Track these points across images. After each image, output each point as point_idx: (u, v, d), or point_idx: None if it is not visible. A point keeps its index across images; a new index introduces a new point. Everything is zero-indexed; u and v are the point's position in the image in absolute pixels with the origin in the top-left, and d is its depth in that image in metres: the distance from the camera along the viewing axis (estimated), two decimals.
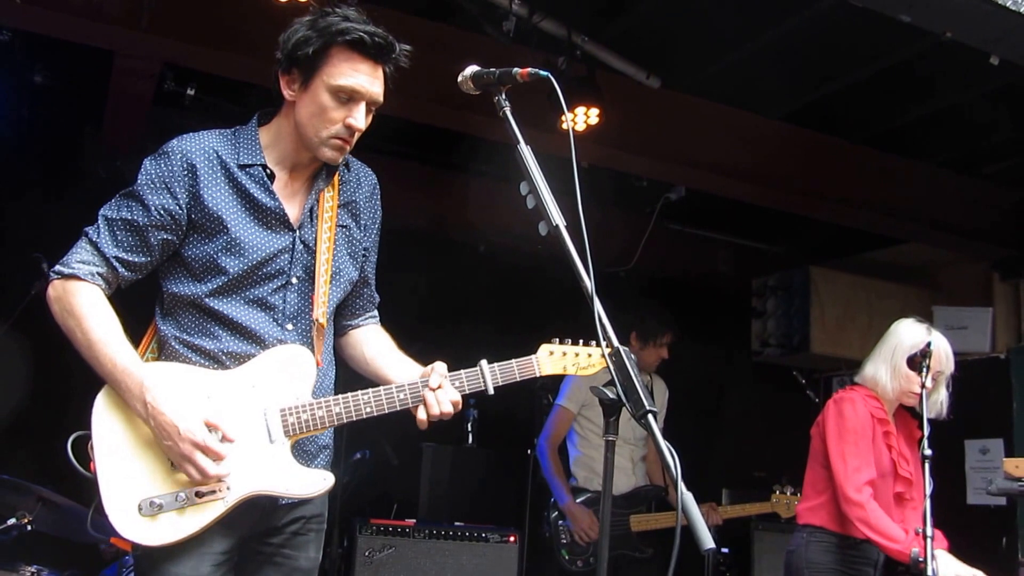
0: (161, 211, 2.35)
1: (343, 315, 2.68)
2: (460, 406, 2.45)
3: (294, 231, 2.44)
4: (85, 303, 2.32)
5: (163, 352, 2.43)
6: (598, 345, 1.99)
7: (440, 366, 2.46)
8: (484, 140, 5.56)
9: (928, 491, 3.37)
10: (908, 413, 3.88)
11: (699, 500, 1.86)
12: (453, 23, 4.93)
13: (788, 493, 4.93)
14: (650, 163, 5.86)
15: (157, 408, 2.23)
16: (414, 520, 5.21)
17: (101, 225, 2.38)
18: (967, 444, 6.28)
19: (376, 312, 2.77)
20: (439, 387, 2.41)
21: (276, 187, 2.44)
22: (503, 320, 6.34)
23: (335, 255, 2.50)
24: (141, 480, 2.26)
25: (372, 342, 2.69)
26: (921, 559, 3.27)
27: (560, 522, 5.13)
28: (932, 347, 3.66)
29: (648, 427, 1.90)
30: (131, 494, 2.24)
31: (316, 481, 2.40)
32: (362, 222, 2.61)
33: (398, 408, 2.41)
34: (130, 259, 2.37)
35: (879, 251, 7.30)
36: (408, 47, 2.37)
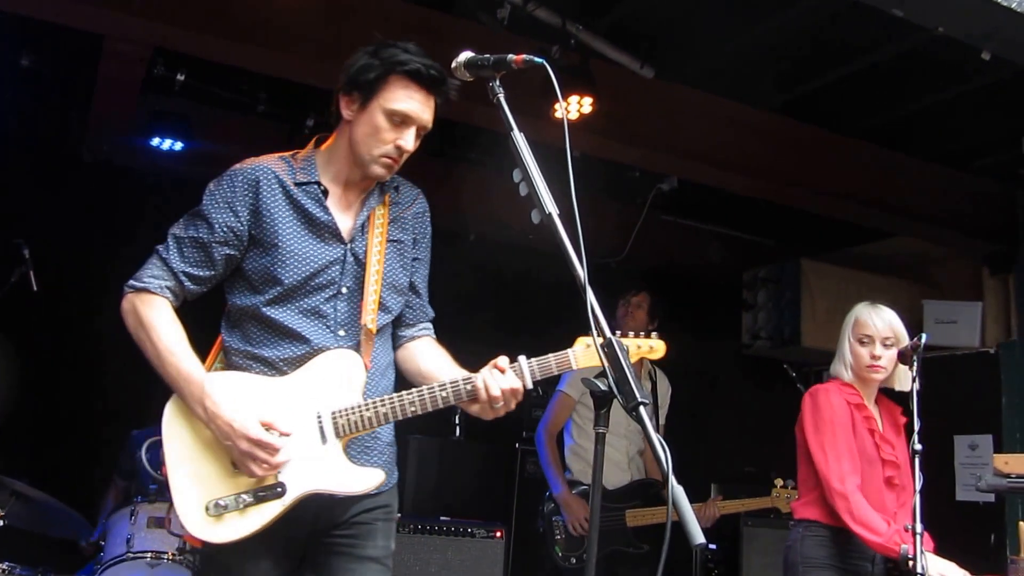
0: (224, 228, 2.55)
1: (397, 326, 2.82)
2: (519, 396, 2.53)
3: (345, 244, 2.62)
4: (154, 314, 2.52)
5: (228, 362, 2.62)
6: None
7: (504, 358, 2.54)
8: (477, 128, 5.53)
9: (918, 487, 3.36)
10: (889, 399, 3.87)
11: (689, 495, 1.85)
12: (448, 11, 4.90)
13: (789, 488, 4.91)
14: (643, 153, 5.84)
15: (215, 411, 2.43)
16: (399, 514, 5.17)
17: (170, 243, 2.58)
18: (956, 440, 6.29)
19: (430, 325, 2.89)
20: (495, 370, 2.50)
21: (330, 203, 2.63)
22: (496, 309, 6.33)
23: (386, 266, 2.67)
24: (207, 483, 2.45)
25: (427, 356, 2.79)
26: (911, 556, 3.25)
27: (554, 517, 5.05)
28: (861, 316, 3.72)
29: (639, 419, 1.89)
30: (198, 496, 2.43)
31: (367, 478, 2.55)
32: (412, 236, 2.78)
33: (441, 406, 2.53)
34: (196, 273, 2.57)
35: (870, 244, 7.30)
36: (458, 81, 2.47)
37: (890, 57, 5.02)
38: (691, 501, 1.82)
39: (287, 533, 2.52)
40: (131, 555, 4.39)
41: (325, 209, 2.61)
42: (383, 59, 2.56)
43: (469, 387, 2.50)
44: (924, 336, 3.63)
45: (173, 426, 2.50)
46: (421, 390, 2.54)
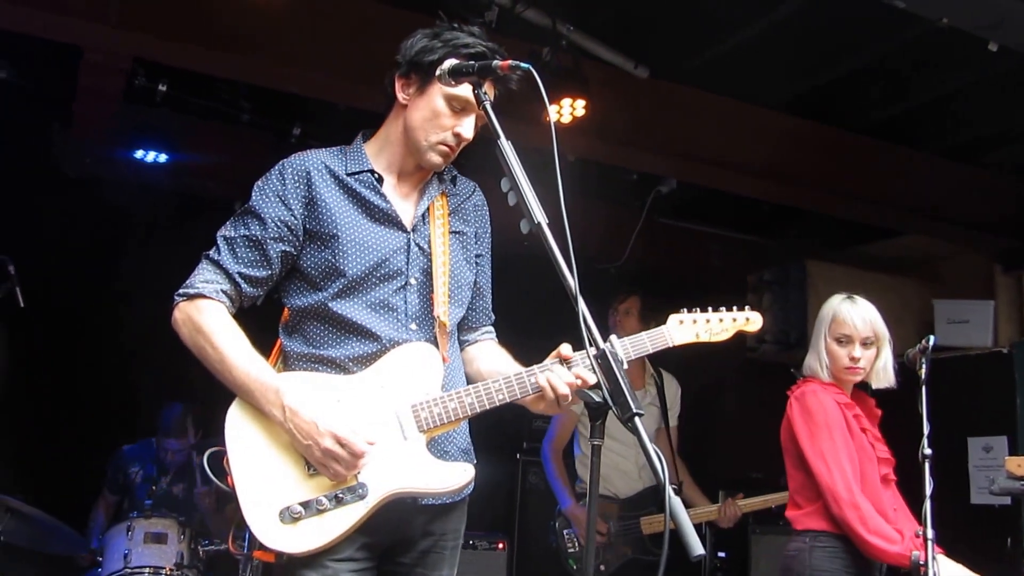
0: (278, 223, 2.45)
1: (460, 329, 2.71)
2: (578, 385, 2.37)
3: (408, 232, 2.52)
4: (213, 320, 2.39)
5: (288, 369, 2.50)
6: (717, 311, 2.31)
7: (565, 347, 2.42)
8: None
9: (928, 491, 3.24)
10: (862, 391, 3.71)
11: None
12: (433, 14, 4.78)
13: None
14: (639, 155, 5.75)
15: (295, 410, 2.29)
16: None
17: (221, 245, 2.47)
18: (970, 442, 6.15)
19: (492, 329, 2.79)
20: (564, 362, 2.38)
21: (385, 190, 2.53)
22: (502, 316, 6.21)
23: (452, 258, 2.57)
24: (279, 488, 2.30)
25: (488, 357, 2.68)
26: (922, 563, 3.13)
27: (566, 531, 5.04)
28: (839, 314, 3.56)
29: (635, 430, 1.87)
30: (270, 503, 2.28)
31: (456, 473, 2.42)
32: (474, 229, 2.69)
33: (531, 393, 2.40)
34: (252, 274, 2.45)
35: (877, 243, 7.18)
36: (521, 71, 2.29)
37: (895, 50, 4.92)
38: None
39: (364, 545, 2.37)
40: (129, 571, 4.45)
41: (382, 195, 2.51)
42: (445, 41, 2.47)
43: (544, 381, 2.36)
44: (932, 338, 3.50)
45: (239, 432, 2.36)
46: (508, 377, 2.40)
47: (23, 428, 5.56)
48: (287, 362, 2.51)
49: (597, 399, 2.00)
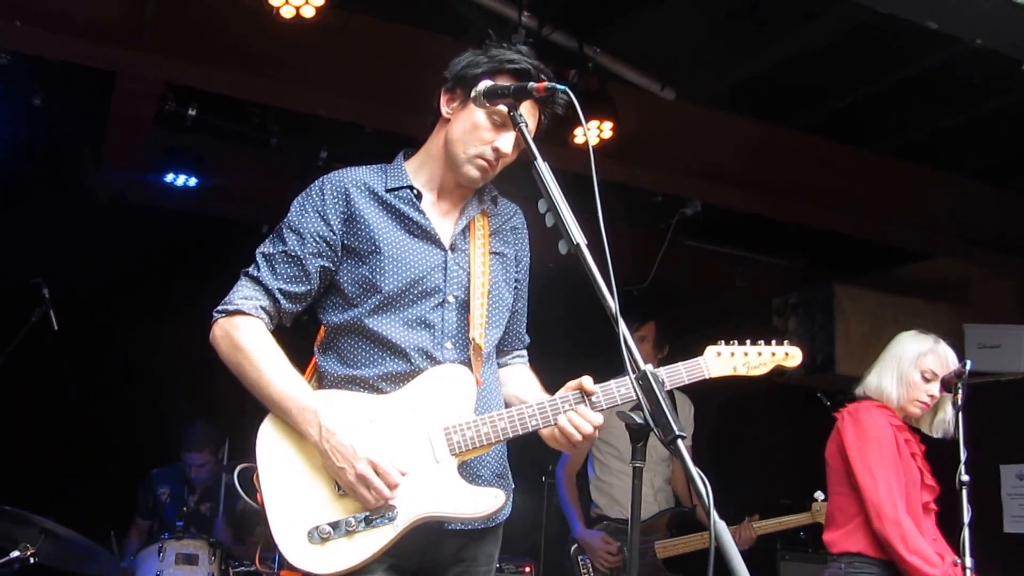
0: (317, 238, 2.44)
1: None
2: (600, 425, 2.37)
3: (445, 250, 2.49)
4: (251, 337, 2.38)
5: (322, 388, 2.47)
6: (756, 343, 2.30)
7: (586, 380, 2.40)
8: None
9: (967, 519, 3.24)
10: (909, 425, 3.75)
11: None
12: (459, 38, 4.83)
13: None
14: (665, 177, 5.78)
15: (332, 432, 2.27)
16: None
17: (260, 262, 2.46)
18: (1003, 469, 6.11)
19: (525, 353, 2.78)
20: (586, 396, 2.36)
21: (424, 207, 2.52)
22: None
23: (491, 279, 2.54)
24: (309, 508, 2.28)
25: (517, 382, 2.66)
26: None
27: (580, 557, 4.98)
28: (936, 352, 3.64)
29: (678, 452, 1.85)
30: (300, 522, 2.26)
31: (487, 499, 2.37)
32: (514, 252, 2.66)
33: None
34: (291, 289, 2.44)
35: (906, 266, 7.16)
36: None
37: (923, 71, 4.91)
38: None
39: (392, 568, 2.33)
40: None
41: (420, 211, 2.49)
42: (491, 56, 2.47)
43: (595, 400, 2.35)
44: (969, 363, 3.50)
45: (270, 450, 2.34)
46: (542, 402, 2.38)
47: (56, 450, 5.61)
48: (321, 381, 2.49)
49: (639, 421, 1.97)
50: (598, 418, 2.34)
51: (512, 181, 2.61)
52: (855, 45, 4.68)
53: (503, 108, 2.37)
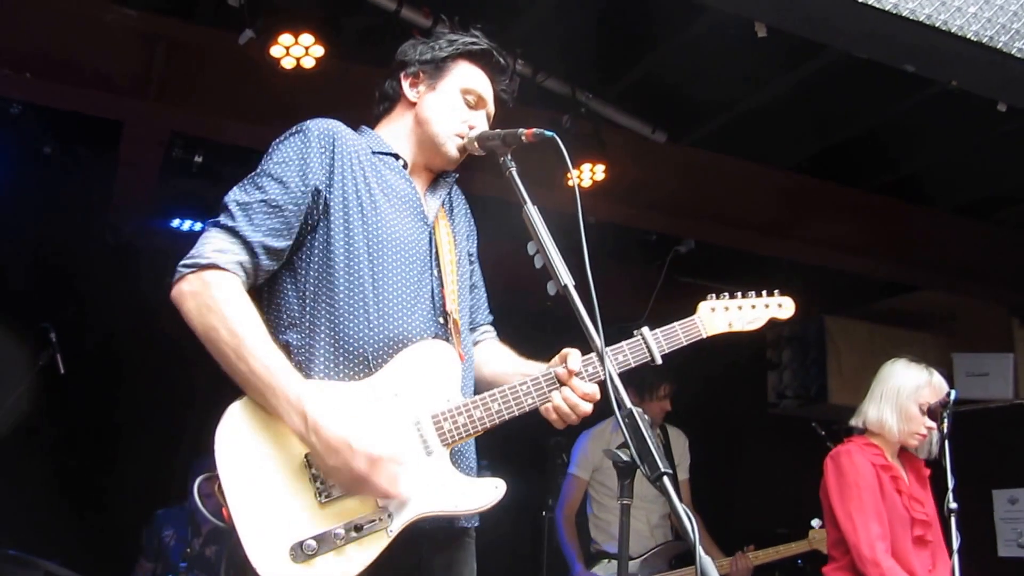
0: (303, 188, 2.17)
1: None
2: (596, 397, 2.22)
3: (428, 225, 2.37)
4: (230, 297, 2.03)
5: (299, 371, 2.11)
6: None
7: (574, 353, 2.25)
8: (491, 199, 5.55)
9: (956, 546, 3.31)
10: (910, 452, 3.80)
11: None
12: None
13: None
14: (658, 217, 5.86)
15: (323, 425, 1.94)
16: None
17: (234, 211, 2.12)
18: (995, 494, 6.19)
19: (492, 328, 2.64)
20: (576, 374, 2.22)
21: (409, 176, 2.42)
22: None
23: (458, 257, 2.44)
24: (288, 519, 1.97)
25: (497, 359, 2.51)
26: None
27: None
28: (932, 385, 3.69)
29: (663, 490, 1.83)
30: (279, 538, 1.95)
31: (487, 491, 2.16)
32: (465, 230, 2.57)
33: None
34: (273, 244, 2.12)
35: (894, 298, 7.23)
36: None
37: (908, 110, 5.01)
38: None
39: (393, 564, 2.06)
40: None
41: (409, 182, 2.37)
42: (451, 40, 2.48)
43: (592, 370, 2.21)
44: (954, 393, 3.59)
45: (236, 452, 1.98)
46: (537, 378, 2.20)
47: (62, 493, 5.59)
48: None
49: (625, 458, 1.93)
50: (592, 388, 2.21)
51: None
52: (838, 86, 4.79)
53: (476, 87, 2.43)
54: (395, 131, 2.46)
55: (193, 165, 5.30)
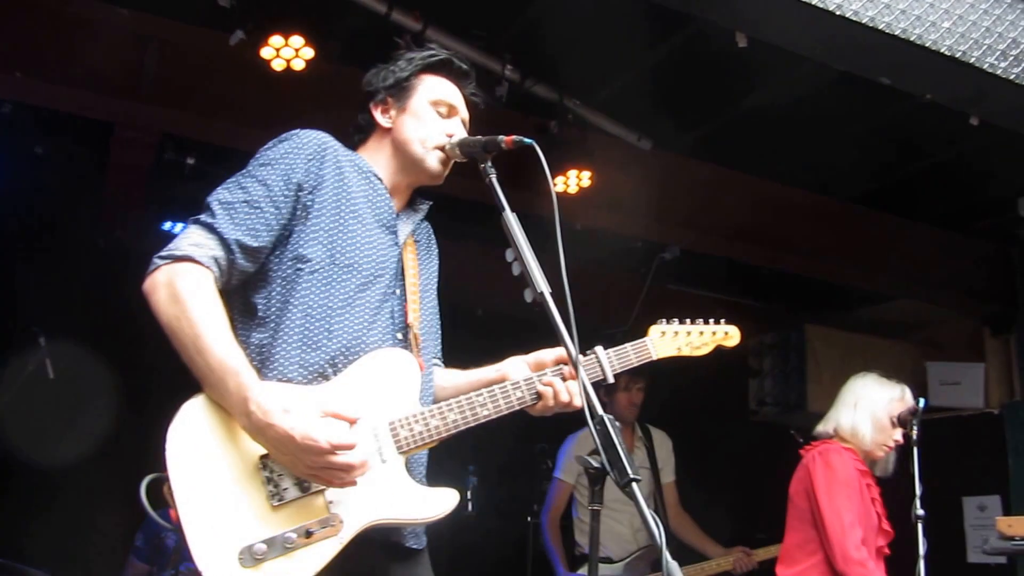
0: (286, 192, 2.21)
1: None
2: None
3: (399, 245, 2.40)
4: (196, 289, 2.05)
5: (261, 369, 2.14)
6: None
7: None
8: (479, 204, 5.61)
9: (922, 551, 3.36)
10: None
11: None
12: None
13: None
14: (643, 224, 5.92)
15: (271, 417, 1.94)
16: None
17: (216, 209, 2.16)
18: (965, 501, 6.25)
19: (440, 362, 2.62)
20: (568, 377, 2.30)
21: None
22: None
23: (421, 283, 2.46)
24: (237, 523, 1.95)
25: (445, 375, 2.53)
26: None
27: None
28: (905, 400, 3.78)
29: (632, 496, 1.88)
30: (228, 542, 1.92)
31: (442, 500, 2.16)
32: (429, 267, 2.58)
33: (516, 407, 2.27)
34: (251, 244, 2.15)
35: (873, 307, 7.30)
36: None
37: (885, 123, 5.09)
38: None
39: (345, 571, 2.04)
40: None
41: (387, 201, 2.39)
42: (409, 60, 2.51)
43: (546, 385, 2.27)
44: (922, 402, 3.67)
45: (187, 452, 1.97)
46: (492, 390, 2.24)
47: (52, 500, 5.51)
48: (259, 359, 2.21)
49: (596, 464, 1.96)
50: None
51: None
52: (817, 99, 4.86)
53: (445, 97, 2.47)
54: (375, 159, 2.48)
55: (185, 167, 5.26)
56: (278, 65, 4.28)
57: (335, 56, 4.47)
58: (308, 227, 2.24)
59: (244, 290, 2.24)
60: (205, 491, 1.96)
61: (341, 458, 1.97)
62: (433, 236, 2.65)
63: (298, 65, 4.29)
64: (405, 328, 2.32)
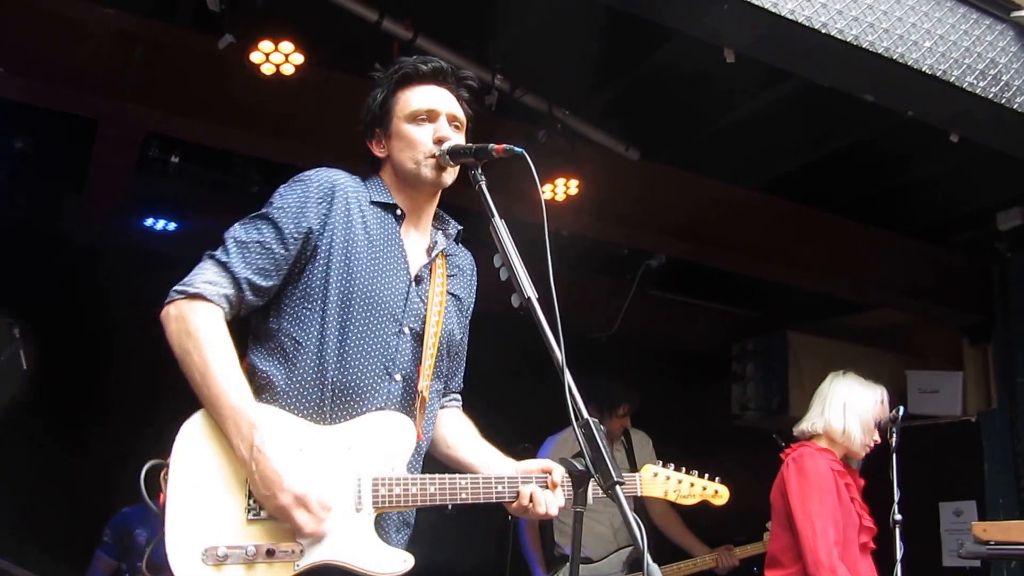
0: (296, 235, 2.33)
1: None
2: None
3: (410, 279, 2.45)
4: (207, 325, 2.21)
5: (261, 394, 2.29)
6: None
7: (559, 468, 2.43)
8: (468, 210, 5.62)
9: (900, 555, 3.41)
10: (848, 463, 3.90)
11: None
12: None
13: None
14: (630, 232, 5.94)
15: (263, 454, 2.12)
16: None
17: (230, 247, 2.30)
18: (941, 506, 6.35)
19: (459, 397, 2.73)
20: (556, 486, 2.42)
21: (403, 231, 2.50)
22: (495, 385, 6.32)
23: (445, 320, 2.50)
24: (213, 525, 2.10)
25: (453, 424, 2.63)
26: None
27: None
28: (884, 401, 3.84)
29: (615, 498, 1.91)
30: (198, 537, 2.08)
31: (395, 561, 2.27)
32: (466, 297, 2.64)
33: (494, 500, 2.38)
34: (260, 283, 2.29)
35: (854, 316, 7.37)
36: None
37: (868, 138, 5.14)
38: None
39: None
40: None
41: (397, 234, 2.46)
42: (382, 84, 2.54)
43: (528, 491, 2.38)
44: (902, 409, 3.71)
45: (188, 453, 2.14)
46: (477, 479, 2.37)
47: (24, 493, 5.44)
48: (260, 386, 2.33)
49: (580, 467, 2.02)
50: (561, 502, 2.42)
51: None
52: (802, 113, 4.90)
53: (419, 105, 2.46)
54: (390, 187, 2.53)
55: (169, 165, 5.25)
56: (267, 70, 4.26)
57: (325, 62, 4.46)
58: (316, 266, 2.35)
59: (259, 314, 2.38)
60: (196, 487, 2.12)
61: (300, 516, 2.13)
62: (471, 260, 2.69)
63: (288, 70, 4.28)
64: (410, 374, 2.40)
